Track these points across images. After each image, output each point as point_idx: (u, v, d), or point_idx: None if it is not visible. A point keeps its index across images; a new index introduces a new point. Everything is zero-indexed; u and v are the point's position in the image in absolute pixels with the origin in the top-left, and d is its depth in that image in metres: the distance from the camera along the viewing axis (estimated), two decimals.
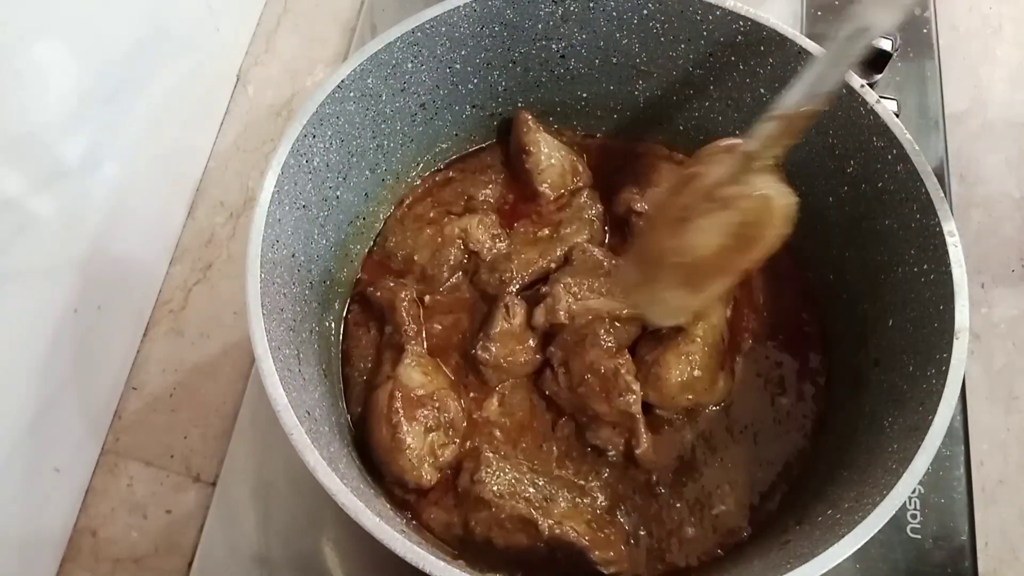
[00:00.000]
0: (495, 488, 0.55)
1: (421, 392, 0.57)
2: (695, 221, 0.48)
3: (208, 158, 0.84)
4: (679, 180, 0.51)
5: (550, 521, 0.53)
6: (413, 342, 0.61)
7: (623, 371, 0.57)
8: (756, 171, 0.47)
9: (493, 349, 0.59)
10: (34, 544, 0.65)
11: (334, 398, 0.60)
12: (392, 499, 0.56)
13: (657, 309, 0.55)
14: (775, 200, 0.47)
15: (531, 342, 0.60)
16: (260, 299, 0.48)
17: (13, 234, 0.57)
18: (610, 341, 0.58)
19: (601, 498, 0.57)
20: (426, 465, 0.55)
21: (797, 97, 0.47)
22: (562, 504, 0.56)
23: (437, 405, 0.57)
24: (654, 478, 0.58)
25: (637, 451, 0.56)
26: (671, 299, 0.52)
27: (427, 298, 0.64)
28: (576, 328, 0.59)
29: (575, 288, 0.60)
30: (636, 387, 0.56)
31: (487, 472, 0.55)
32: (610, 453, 0.58)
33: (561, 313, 0.59)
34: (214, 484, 0.69)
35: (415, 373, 0.59)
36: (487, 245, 0.64)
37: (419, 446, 0.55)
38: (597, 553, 0.53)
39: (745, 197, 0.47)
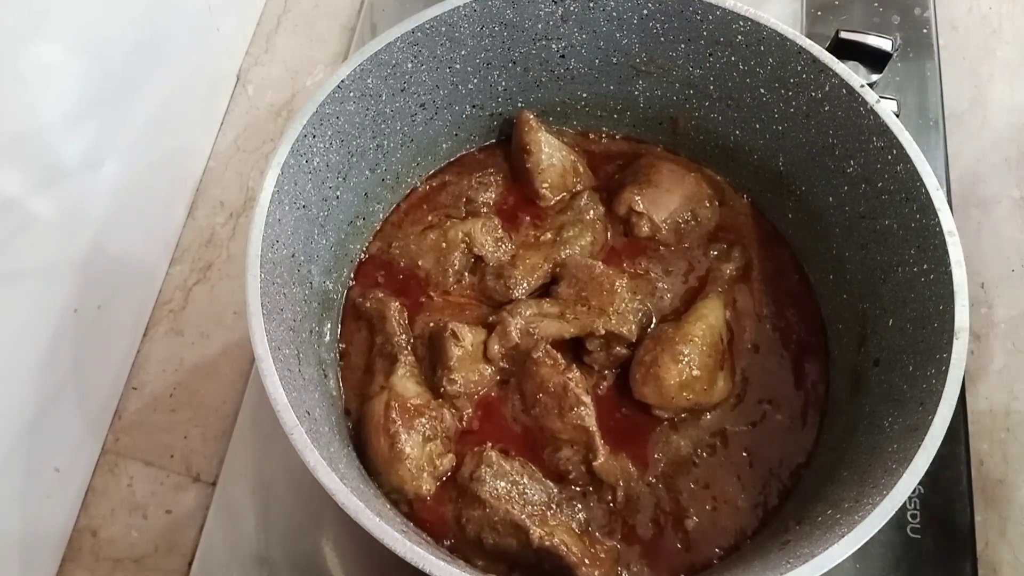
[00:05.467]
0: (492, 489, 0.55)
1: (417, 401, 0.57)
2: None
3: (208, 158, 0.84)
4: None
5: (541, 531, 0.53)
6: (405, 351, 0.60)
7: (572, 384, 0.57)
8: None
9: (458, 379, 0.58)
10: (34, 544, 0.65)
11: (334, 398, 0.60)
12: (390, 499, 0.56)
13: None
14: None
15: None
16: (260, 299, 0.48)
17: (13, 234, 0.57)
18: (558, 357, 0.58)
19: (600, 512, 0.57)
20: (425, 475, 0.55)
21: None
22: (560, 515, 0.56)
23: (434, 415, 0.57)
24: (652, 479, 0.58)
25: (595, 463, 0.56)
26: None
27: (434, 297, 0.64)
28: (525, 350, 0.59)
29: (526, 312, 0.60)
30: (587, 399, 0.57)
31: (487, 471, 0.55)
32: (571, 475, 0.57)
33: (514, 334, 0.59)
34: (214, 484, 0.69)
35: (409, 383, 0.59)
36: (491, 249, 0.64)
37: (418, 455, 0.55)
38: (583, 570, 0.52)
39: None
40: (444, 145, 0.69)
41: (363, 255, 0.67)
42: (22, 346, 0.61)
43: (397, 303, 0.62)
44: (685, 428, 0.59)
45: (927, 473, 0.45)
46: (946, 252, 0.50)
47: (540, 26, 0.62)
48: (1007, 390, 0.72)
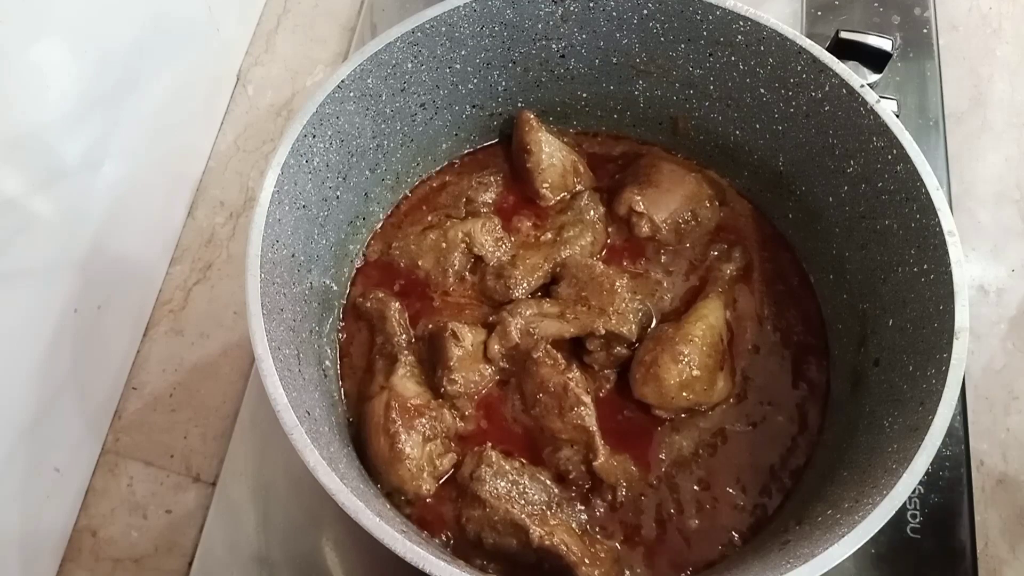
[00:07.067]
0: (493, 489, 0.55)
1: (417, 401, 0.57)
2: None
3: (208, 158, 0.84)
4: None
5: (541, 531, 0.53)
6: (405, 351, 0.60)
7: (572, 384, 0.57)
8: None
9: (458, 379, 0.58)
10: (34, 544, 0.65)
11: (334, 398, 0.60)
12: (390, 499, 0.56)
13: None
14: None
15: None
16: (260, 299, 0.48)
17: (13, 234, 0.57)
18: (558, 357, 0.58)
19: (600, 512, 0.57)
20: (425, 474, 0.55)
21: None
22: (560, 515, 0.56)
23: (434, 415, 0.57)
24: (654, 480, 0.58)
25: (595, 463, 0.56)
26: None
27: (434, 297, 0.64)
28: (525, 350, 0.59)
29: (526, 312, 0.60)
30: (587, 399, 0.57)
31: (487, 471, 0.55)
32: (571, 475, 0.57)
33: (514, 334, 0.59)
34: (214, 484, 0.69)
35: (409, 383, 0.59)
36: (491, 249, 0.64)
37: (418, 456, 0.55)
38: (583, 570, 0.52)
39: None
40: (444, 145, 0.69)
41: (363, 255, 0.67)
42: (22, 346, 0.60)
43: (397, 303, 0.62)
44: (686, 428, 0.59)
45: (927, 473, 0.45)
46: (946, 252, 0.50)
47: (540, 26, 0.62)
48: (1007, 390, 0.72)
